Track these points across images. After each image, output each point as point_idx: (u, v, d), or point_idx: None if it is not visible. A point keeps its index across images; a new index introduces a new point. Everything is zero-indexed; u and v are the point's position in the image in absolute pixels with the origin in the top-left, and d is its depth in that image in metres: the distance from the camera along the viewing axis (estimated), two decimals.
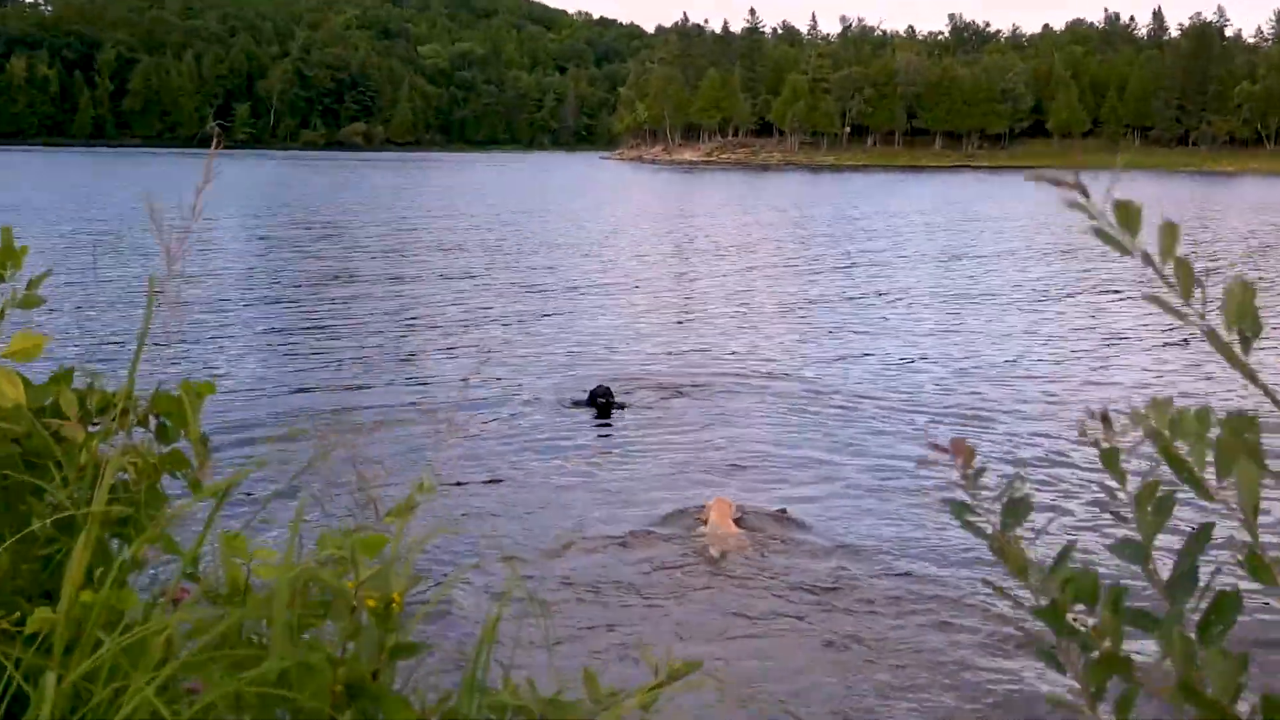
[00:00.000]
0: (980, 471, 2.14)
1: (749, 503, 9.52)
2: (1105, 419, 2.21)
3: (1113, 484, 2.08)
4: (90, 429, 3.59)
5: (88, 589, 2.90)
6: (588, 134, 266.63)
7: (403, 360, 16.75)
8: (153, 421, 3.76)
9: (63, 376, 3.68)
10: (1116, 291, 24.60)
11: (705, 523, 8.76)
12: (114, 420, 3.48)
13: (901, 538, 8.80)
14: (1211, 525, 1.69)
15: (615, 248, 33.17)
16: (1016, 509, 2.12)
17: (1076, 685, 1.94)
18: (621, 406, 13.39)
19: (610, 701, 2.85)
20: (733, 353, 17.26)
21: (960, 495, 2.14)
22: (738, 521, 8.81)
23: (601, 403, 13.12)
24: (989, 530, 2.10)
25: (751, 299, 23.23)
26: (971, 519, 2.11)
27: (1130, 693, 1.99)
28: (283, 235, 35.63)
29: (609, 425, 12.59)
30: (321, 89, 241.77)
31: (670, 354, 17.00)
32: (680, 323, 20.23)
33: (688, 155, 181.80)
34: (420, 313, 21.04)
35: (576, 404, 13.30)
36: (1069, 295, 24.83)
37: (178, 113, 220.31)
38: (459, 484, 9.97)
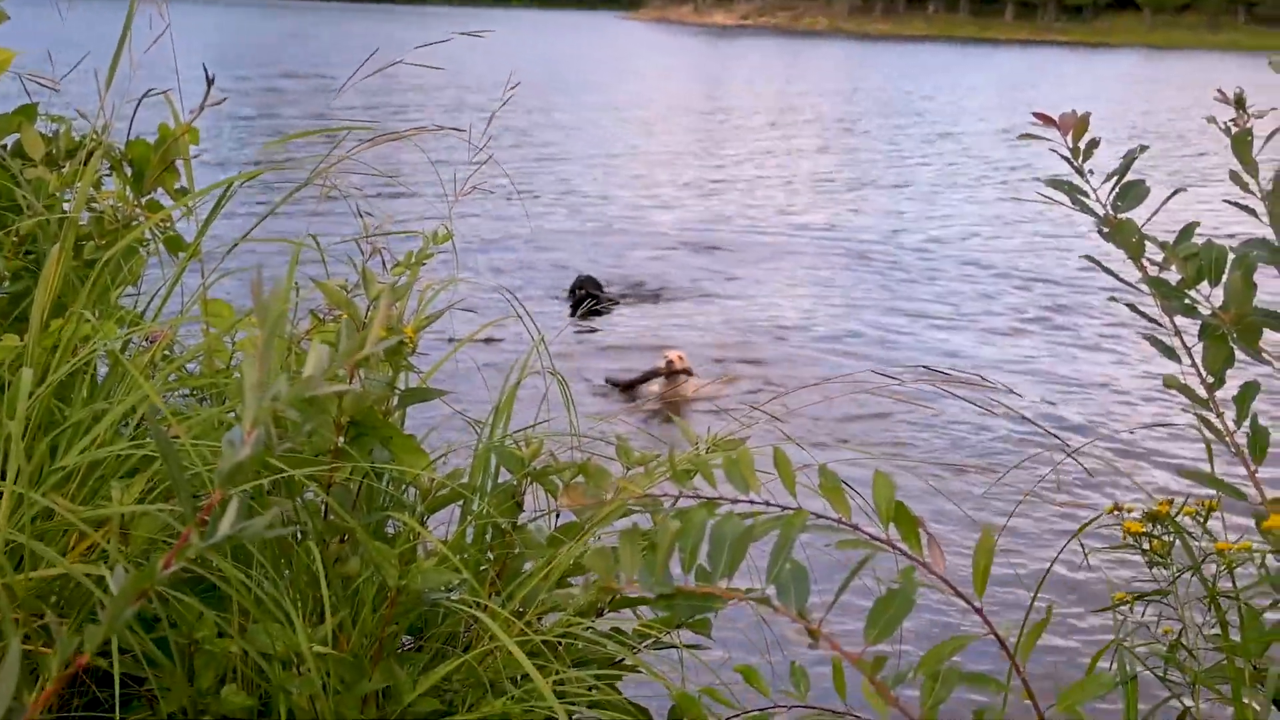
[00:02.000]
0: (1093, 144, 2.14)
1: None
2: (1239, 101, 2.19)
3: (1243, 174, 2.07)
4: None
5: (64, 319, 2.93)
6: None
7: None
8: (127, 169, 3.77)
9: (27, 110, 3.68)
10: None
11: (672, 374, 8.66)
12: (83, 163, 3.48)
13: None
14: None
15: (640, 121, 33.00)
16: (1132, 189, 2.12)
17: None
18: (614, 302, 12.35)
19: (647, 463, 2.87)
20: (765, 226, 17.25)
21: (1068, 175, 2.14)
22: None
23: (581, 295, 11.97)
24: (1101, 212, 2.11)
25: (792, 176, 23.13)
26: (1082, 199, 2.12)
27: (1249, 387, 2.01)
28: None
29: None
30: None
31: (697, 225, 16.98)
32: (708, 195, 20.17)
33: (720, 18, 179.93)
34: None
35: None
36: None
37: None
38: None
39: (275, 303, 1.33)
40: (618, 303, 11.95)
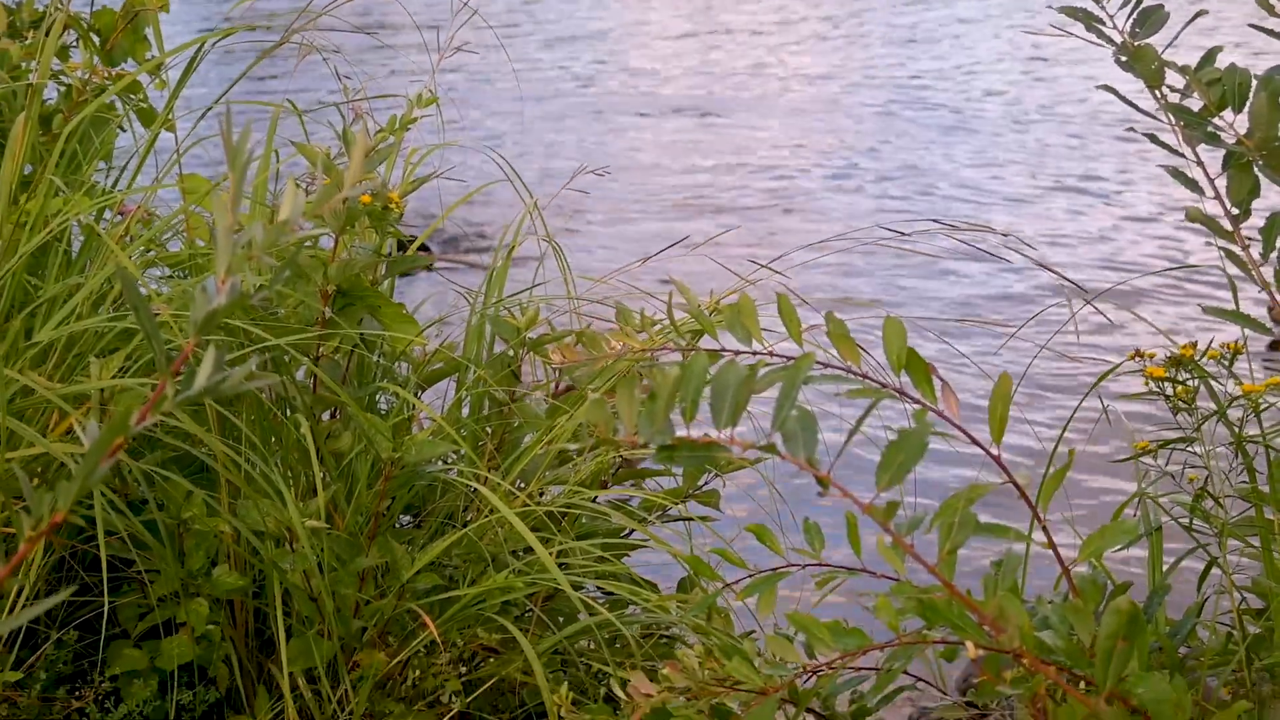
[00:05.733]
0: None
1: None
2: None
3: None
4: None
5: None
6: None
7: None
8: (95, 39, 3.72)
9: None
10: None
11: None
12: (47, 34, 3.43)
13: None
14: None
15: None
16: (1150, 14, 2.08)
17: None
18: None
19: (649, 327, 2.86)
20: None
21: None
22: None
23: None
24: (1119, 39, 2.07)
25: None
26: (1098, 26, 2.08)
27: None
28: None
29: None
30: None
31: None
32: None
33: None
34: None
35: None
36: None
37: None
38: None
39: (244, 144, 1.31)
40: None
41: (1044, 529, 1.84)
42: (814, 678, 1.91)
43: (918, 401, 1.82)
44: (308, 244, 2.87)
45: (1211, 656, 2.32)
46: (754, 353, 1.98)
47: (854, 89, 14.92)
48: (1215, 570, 2.47)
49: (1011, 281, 7.84)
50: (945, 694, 2.57)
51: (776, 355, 2.00)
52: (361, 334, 2.78)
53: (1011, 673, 1.74)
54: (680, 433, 1.55)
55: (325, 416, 2.91)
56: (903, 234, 3.04)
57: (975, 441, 1.87)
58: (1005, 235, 3.08)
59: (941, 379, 1.86)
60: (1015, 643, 1.63)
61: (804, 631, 1.84)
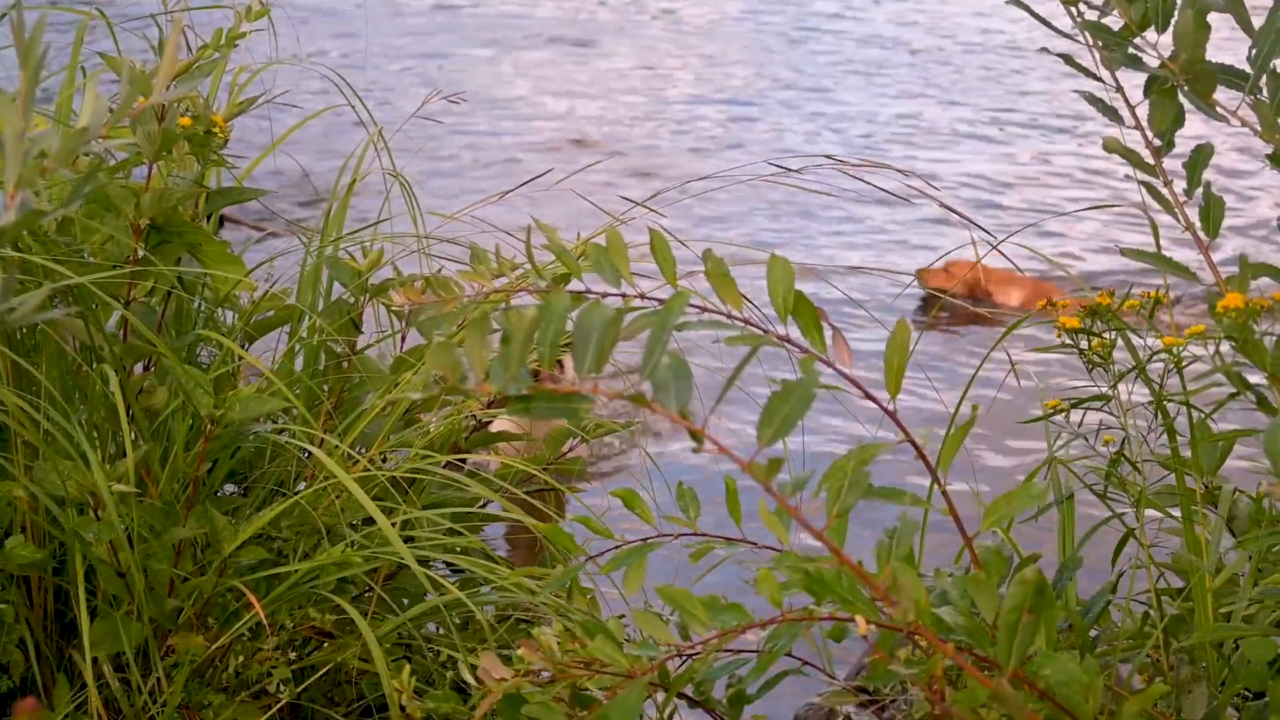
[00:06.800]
0: None
1: None
2: None
3: None
4: None
5: None
6: None
7: None
8: None
9: None
10: None
11: None
12: None
13: None
14: None
15: None
16: None
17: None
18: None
19: (505, 268, 2.81)
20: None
21: None
22: None
23: None
24: None
25: None
26: None
27: None
28: None
29: None
30: None
31: None
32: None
33: None
34: None
35: None
36: None
37: None
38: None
39: (37, 40, 1.24)
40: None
41: (944, 493, 1.82)
42: (689, 661, 1.88)
43: (806, 350, 1.79)
44: (120, 176, 2.79)
45: (1125, 638, 2.33)
46: (623, 294, 1.95)
47: (753, 14, 14.94)
48: (1131, 543, 2.48)
49: (916, 218, 7.89)
50: (834, 679, 2.56)
51: (649, 299, 1.96)
52: (179, 275, 2.70)
53: (905, 651, 1.72)
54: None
55: (138, 369, 2.83)
56: (794, 170, 3.02)
57: (870, 396, 1.85)
58: (905, 173, 3.06)
59: (833, 325, 1.83)
60: (910, 618, 1.61)
61: (677, 608, 1.80)
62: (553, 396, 1.50)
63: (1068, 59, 2.01)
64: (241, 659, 2.60)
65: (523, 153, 9.33)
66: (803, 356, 1.65)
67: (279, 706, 2.59)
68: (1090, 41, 1.97)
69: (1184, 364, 2.29)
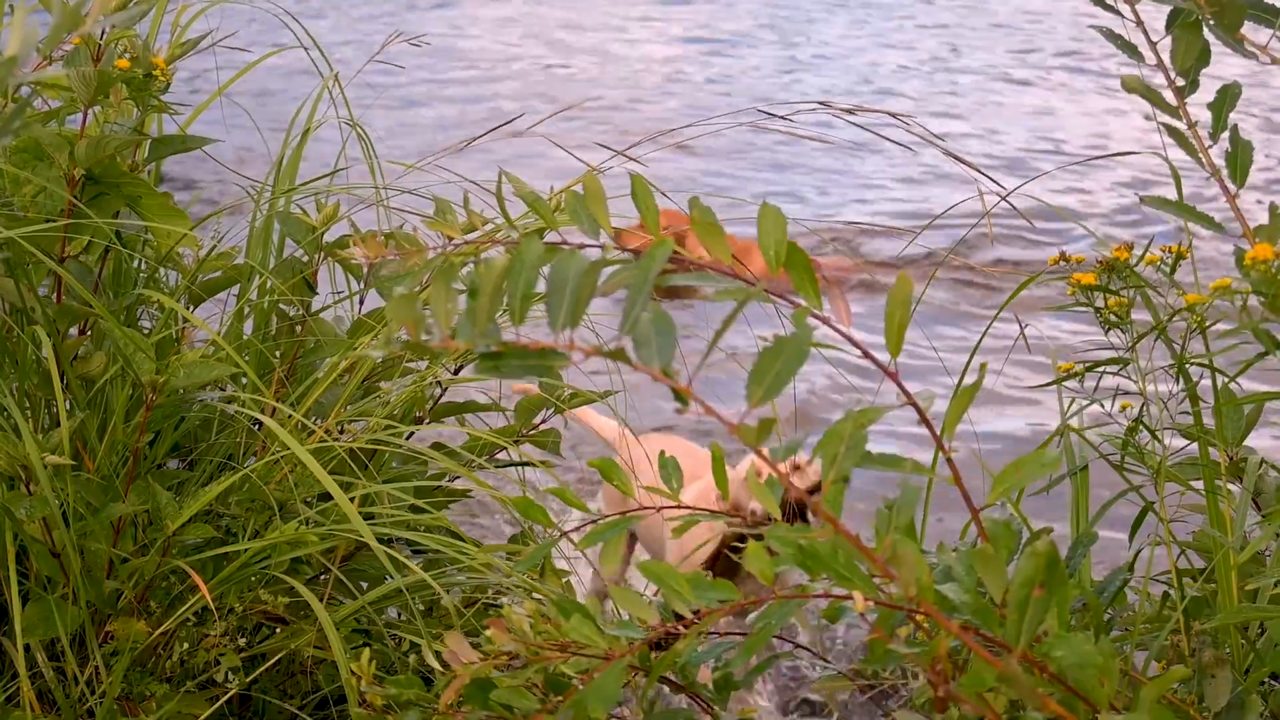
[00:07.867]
0: None
1: None
2: None
3: None
4: None
5: None
6: None
7: None
8: None
9: None
10: None
11: None
12: None
13: None
14: None
15: None
16: None
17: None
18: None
19: (474, 222, 2.83)
20: None
21: None
22: None
23: None
24: None
25: None
26: None
27: None
28: None
29: None
30: None
31: None
32: None
33: None
34: None
35: None
36: None
37: None
38: None
39: None
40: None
41: (949, 461, 1.84)
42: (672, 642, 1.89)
43: (798, 305, 1.80)
44: (53, 124, 2.80)
45: (1143, 621, 2.35)
46: (601, 246, 1.96)
47: None
48: (1150, 519, 2.49)
49: (920, 168, 7.90)
50: (829, 663, 2.58)
51: (629, 251, 1.97)
52: (118, 230, 2.71)
53: (906, 630, 1.74)
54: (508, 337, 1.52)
55: (73, 333, 2.84)
56: (783, 117, 3.02)
57: (869, 355, 1.86)
58: (904, 117, 3.07)
59: (828, 278, 1.84)
60: (911, 594, 1.63)
61: (660, 585, 1.82)
62: (525, 353, 1.51)
63: None
64: (186, 646, 2.61)
65: (489, 102, 9.32)
66: (796, 311, 1.66)
67: (227, 697, 2.60)
68: None
69: (1207, 324, 2.30)
